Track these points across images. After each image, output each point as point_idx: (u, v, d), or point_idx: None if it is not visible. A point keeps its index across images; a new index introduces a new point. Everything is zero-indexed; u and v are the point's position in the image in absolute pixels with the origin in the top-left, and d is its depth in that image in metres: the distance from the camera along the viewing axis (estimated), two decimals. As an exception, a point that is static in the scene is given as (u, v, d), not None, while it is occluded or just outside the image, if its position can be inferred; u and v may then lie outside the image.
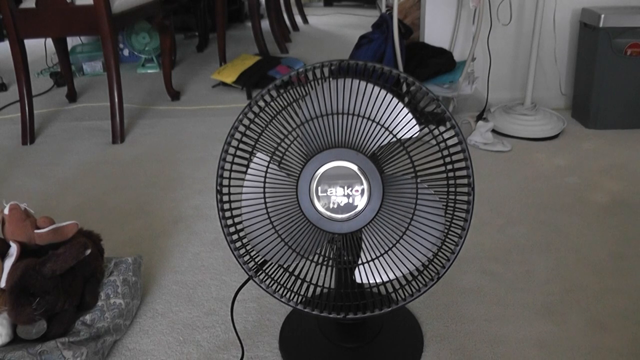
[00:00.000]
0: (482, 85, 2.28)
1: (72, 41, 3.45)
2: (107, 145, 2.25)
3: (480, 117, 2.19)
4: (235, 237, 0.96)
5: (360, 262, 0.92)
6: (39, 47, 3.36)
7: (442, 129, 0.90)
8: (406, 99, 0.89)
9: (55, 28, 2.25)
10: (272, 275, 0.97)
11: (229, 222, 0.96)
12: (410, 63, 2.17)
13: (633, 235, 1.46)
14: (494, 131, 2.07)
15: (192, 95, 2.88)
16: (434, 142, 0.88)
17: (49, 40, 3.19)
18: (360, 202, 0.87)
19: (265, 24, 3.72)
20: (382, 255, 0.90)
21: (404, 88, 0.90)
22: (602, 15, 2.00)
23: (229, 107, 2.64)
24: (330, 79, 0.88)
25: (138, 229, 1.59)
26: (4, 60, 3.36)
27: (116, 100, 2.28)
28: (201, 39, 3.95)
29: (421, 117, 0.88)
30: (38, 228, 1.14)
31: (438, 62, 2.17)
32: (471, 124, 2.13)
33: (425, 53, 2.22)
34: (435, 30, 2.34)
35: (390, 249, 0.89)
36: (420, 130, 0.88)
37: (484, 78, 2.27)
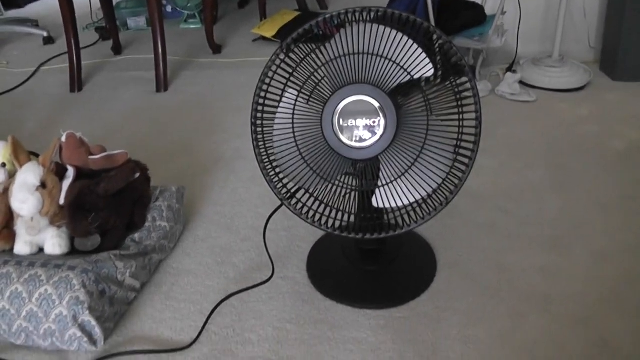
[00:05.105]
0: (512, 38, 2.32)
1: (116, -3, 3.57)
2: (151, 94, 2.37)
3: (509, 69, 2.25)
4: (268, 165, 1.08)
5: (378, 185, 1.03)
6: (84, 3, 3.48)
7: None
8: (435, 48, 0.99)
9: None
10: (302, 200, 1.10)
11: (262, 151, 1.08)
12: (442, 15, 2.23)
13: (645, 179, 1.53)
14: (521, 83, 2.13)
15: (233, 49, 2.95)
16: (448, 84, 0.98)
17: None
18: (377, 132, 0.98)
19: (305, -20, 3.75)
20: (396, 179, 1.01)
21: (434, 39, 1.00)
22: (633, -33, 2.01)
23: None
24: (359, 23, 0.99)
25: (181, 167, 1.73)
26: (50, 16, 3.51)
27: (160, 50, 2.38)
28: (242, -4, 4.01)
29: (437, 59, 0.97)
30: (92, 155, 1.28)
31: (469, 15, 2.23)
32: (500, 76, 2.19)
33: (458, 6, 2.28)
34: (468, -16, 2.38)
35: (403, 174, 1.00)
36: (436, 71, 0.98)
37: (514, 31, 2.31)
